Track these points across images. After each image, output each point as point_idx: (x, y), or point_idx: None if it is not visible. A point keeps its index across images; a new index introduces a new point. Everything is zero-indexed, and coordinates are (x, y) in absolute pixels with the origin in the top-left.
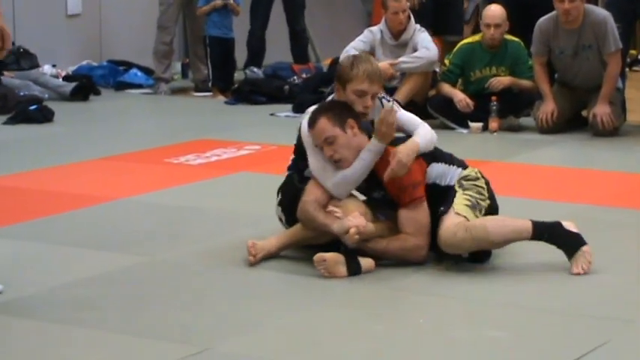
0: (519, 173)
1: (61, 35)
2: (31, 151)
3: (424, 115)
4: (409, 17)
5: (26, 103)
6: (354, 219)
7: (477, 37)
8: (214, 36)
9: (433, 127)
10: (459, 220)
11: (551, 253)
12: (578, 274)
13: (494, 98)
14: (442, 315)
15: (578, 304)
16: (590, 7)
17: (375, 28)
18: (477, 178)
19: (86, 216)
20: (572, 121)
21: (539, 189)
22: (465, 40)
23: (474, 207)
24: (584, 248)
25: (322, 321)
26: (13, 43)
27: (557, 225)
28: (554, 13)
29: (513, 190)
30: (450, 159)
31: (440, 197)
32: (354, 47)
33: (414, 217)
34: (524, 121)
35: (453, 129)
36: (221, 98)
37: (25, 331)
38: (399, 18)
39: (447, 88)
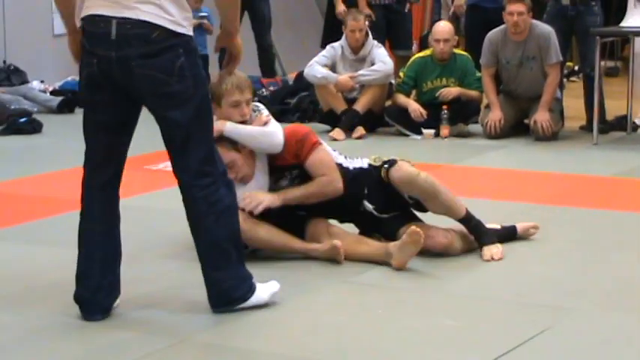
0: (468, 175)
1: (48, 53)
2: (21, 160)
3: (381, 124)
4: (367, 34)
5: (17, 116)
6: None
7: (428, 52)
8: None
9: (389, 134)
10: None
11: None
12: (488, 260)
13: (444, 107)
14: (398, 306)
15: (522, 293)
16: (536, 22)
17: (336, 44)
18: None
19: (70, 220)
20: (515, 128)
21: (486, 190)
22: (418, 55)
23: None
24: (499, 245)
25: (286, 313)
26: (4, 62)
27: (481, 222)
28: (503, 26)
29: (463, 191)
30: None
31: (362, 178)
32: (317, 62)
33: (320, 159)
34: (472, 127)
35: (407, 135)
36: None
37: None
38: (355, 36)
39: (401, 99)
